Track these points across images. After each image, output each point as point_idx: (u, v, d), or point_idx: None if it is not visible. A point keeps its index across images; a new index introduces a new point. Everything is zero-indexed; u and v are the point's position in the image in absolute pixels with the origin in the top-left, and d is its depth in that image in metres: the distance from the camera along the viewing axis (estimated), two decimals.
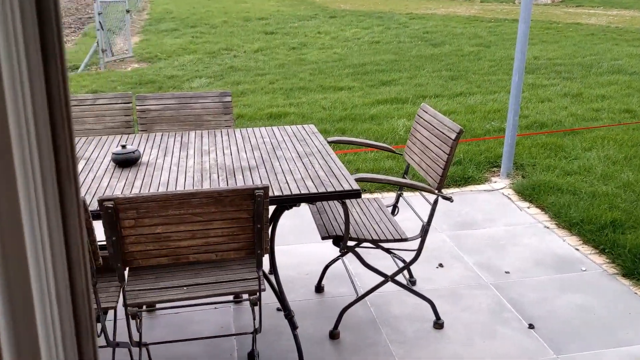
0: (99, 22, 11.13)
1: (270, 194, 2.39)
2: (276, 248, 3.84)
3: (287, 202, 2.40)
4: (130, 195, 1.93)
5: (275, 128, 3.39)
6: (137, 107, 3.50)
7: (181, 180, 2.57)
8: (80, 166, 2.77)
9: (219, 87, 9.12)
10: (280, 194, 2.40)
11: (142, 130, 3.48)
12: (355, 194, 2.44)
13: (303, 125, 3.45)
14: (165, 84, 9.54)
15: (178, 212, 2.00)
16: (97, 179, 2.60)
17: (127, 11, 12.71)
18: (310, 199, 2.42)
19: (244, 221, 2.08)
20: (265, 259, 2.64)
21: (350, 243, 2.83)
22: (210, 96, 3.56)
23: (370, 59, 11.12)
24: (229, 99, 3.57)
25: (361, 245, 2.91)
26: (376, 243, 2.88)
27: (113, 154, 2.74)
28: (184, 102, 3.53)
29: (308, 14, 19.40)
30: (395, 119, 6.99)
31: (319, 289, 3.45)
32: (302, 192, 2.42)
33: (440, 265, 3.76)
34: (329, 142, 3.28)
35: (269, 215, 3.20)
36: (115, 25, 13.17)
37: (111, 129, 3.48)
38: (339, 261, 3.61)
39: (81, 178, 2.61)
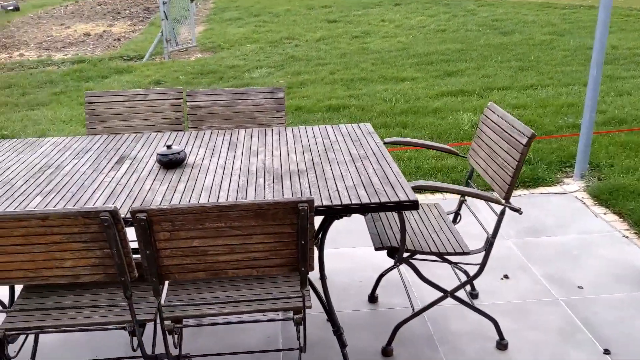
0: (164, 12, 11.22)
1: (318, 203, 2.20)
2: (328, 251, 3.67)
3: (336, 213, 2.20)
4: (164, 207, 1.78)
5: (328, 127, 3.19)
6: (188, 103, 3.38)
7: (225, 184, 2.42)
8: (125, 166, 2.66)
9: (279, 78, 9.00)
10: (329, 203, 2.20)
11: (192, 127, 3.36)
12: (411, 206, 2.22)
13: (359, 124, 3.23)
14: (227, 74, 9.51)
15: (215, 225, 1.84)
16: (140, 180, 2.48)
17: (192, 1, 12.77)
18: (362, 209, 2.21)
19: (287, 236, 1.90)
20: (316, 264, 2.46)
21: (406, 254, 2.61)
22: (262, 92, 3.39)
23: (436, 48, 10.71)
24: (281, 95, 3.39)
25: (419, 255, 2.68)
26: (434, 255, 2.64)
27: (158, 154, 2.61)
28: (235, 98, 3.38)
29: (372, 2, 19.02)
30: (460, 112, 6.64)
31: (373, 298, 3.24)
32: (353, 202, 2.21)
33: (506, 276, 3.47)
34: (386, 143, 3.06)
35: (317, 227, 3.03)
36: (181, 14, 13.27)
37: (162, 125, 3.37)
38: (395, 269, 3.38)
39: (124, 180, 2.49)
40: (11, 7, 20.20)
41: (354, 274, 3.51)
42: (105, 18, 18.06)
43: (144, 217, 1.78)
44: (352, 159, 2.69)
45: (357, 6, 17.97)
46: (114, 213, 1.80)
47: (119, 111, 3.37)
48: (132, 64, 10.70)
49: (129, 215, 2.00)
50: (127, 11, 19.80)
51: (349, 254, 3.71)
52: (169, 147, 2.63)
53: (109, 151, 2.87)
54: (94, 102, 3.37)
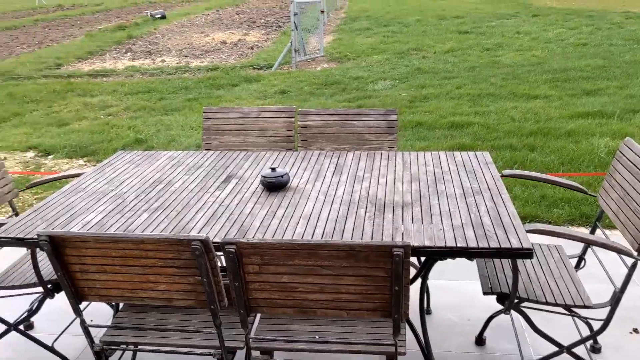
0: (294, 22, 11.48)
1: (419, 242, 2.05)
2: (436, 282, 3.47)
3: (439, 255, 2.04)
4: (254, 241, 1.73)
5: (442, 154, 3.00)
6: (299, 122, 3.36)
7: (325, 213, 2.33)
8: (230, 186, 2.67)
9: (402, 90, 8.84)
10: (432, 244, 2.04)
11: (301, 147, 3.33)
12: (524, 254, 1.99)
13: (475, 152, 3.01)
14: (350, 85, 9.51)
15: (305, 262, 1.75)
16: (242, 203, 2.47)
17: (322, 11, 12.97)
18: (468, 254, 2.02)
19: (380, 280, 1.77)
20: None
21: (518, 301, 2.37)
22: (374, 114, 3.28)
23: (574, 64, 9.98)
24: (394, 117, 3.26)
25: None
26: (550, 306, 2.38)
27: (262, 177, 2.59)
28: (346, 118, 3.30)
29: (508, 12, 18.22)
30: (596, 137, 6.09)
31: (480, 341, 3.00)
32: (459, 244, 2.03)
33: (635, 330, 3.08)
34: (504, 176, 2.82)
35: (417, 262, 2.86)
36: (312, 24, 13.55)
37: (273, 144, 3.38)
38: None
39: (227, 200, 2.50)
40: (159, 15, 21.81)
41: (461, 310, 3.29)
42: (242, 27, 18.91)
43: (233, 250, 1.74)
44: (464, 193, 2.49)
45: (491, 17, 17.31)
46: (205, 242, 1.78)
47: (233, 127, 3.42)
48: (261, 73, 11.05)
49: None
50: (262, 20, 20.60)
51: (455, 288, 3.49)
52: (273, 169, 2.60)
53: (218, 169, 2.91)
54: (211, 118, 3.44)
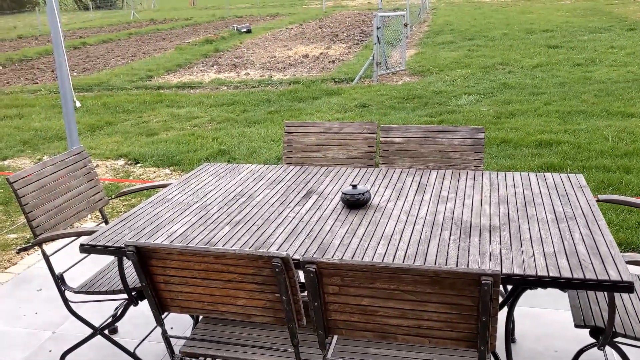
0: (377, 36, 11.45)
1: (508, 269, 1.94)
2: (522, 309, 3.30)
3: (529, 284, 1.92)
4: (335, 261, 1.69)
5: (532, 175, 2.86)
6: (381, 139, 3.30)
7: (407, 234, 2.26)
8: (310, 202, 2.65)
9: (487, 106, 8.59)
10: (522, 272, 1.93)
11: (382, 164, 3.27)
12: (624, 288, 1.84)
13: (568, 174, 2.85)
14: (432, 99, 9.36)
15: (387, 286, 1.69)
16: (322, 219, 2.44)
17: (405, 25, 12.88)
18: (561, 284, 1.89)
19: (467, 309, 1.68)
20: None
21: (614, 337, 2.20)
22: (460, 131, 3.18)
23: None
24: (481, 136, 3.14)
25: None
26: None
27: (343, 193, 2.56)
28: (430, 135, 3.21)
29: (601, 26, 17.41)
30: None
31: None
32: (551, 274, 1.91)
33: None
34: (600, 201, 2.64)
35: (504, 290, 2.72)
36: (395, 37, 13.48)
37: (354, 159, 3.34)
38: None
39: (307, 216, 2.48)
40: (244, 29, 22.44)
41: (549, 341, 3.11)
42: (324, 40, 19.12)
43: (314, 270, 1.71)
44: (556, 218, 2.35)
45: (582, 31, 16.59)
46: (285, 260, 1.76)
47: (314, 142, 3.41)
48: (342, 86, 11.09)
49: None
50: (345, 34, 20.74)
51: (542, 316, 3.30)
52: (354, 186, 2.56)
53: (299, 184, 2.90)
54: (292, 132, 3.45)
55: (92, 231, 2.44)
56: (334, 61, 14.63)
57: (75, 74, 15.09)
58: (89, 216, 5.16)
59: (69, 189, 2.88)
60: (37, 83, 13.82)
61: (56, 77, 13.01)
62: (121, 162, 7.16)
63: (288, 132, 3.47)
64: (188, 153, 7.16)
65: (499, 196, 2.61)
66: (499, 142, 6.63)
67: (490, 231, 2.26)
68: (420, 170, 3.01)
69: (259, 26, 25.70)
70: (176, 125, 8.85)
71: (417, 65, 12.84)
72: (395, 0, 40.82)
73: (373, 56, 11.48)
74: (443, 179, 2.87)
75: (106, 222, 3.10)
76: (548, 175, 2.86)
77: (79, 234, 2.56)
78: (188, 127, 8.68)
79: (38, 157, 7.46)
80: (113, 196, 3.41)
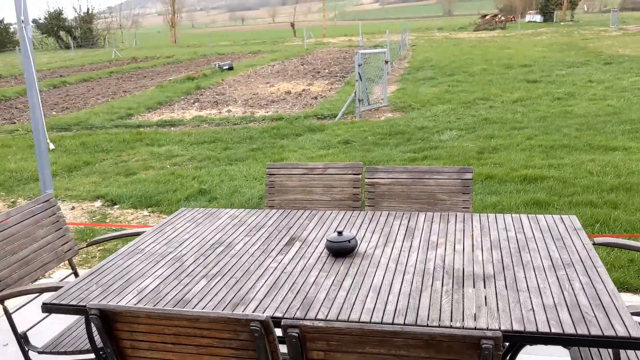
0: (358, 73, 11.48)
1: (506, 325, 1.79)
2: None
3: (530, 341, 1.77)
4: (319, 324, 1.53)
5: (523, 217, 2.74)
6: (366, 180, 3.18)
7: (396, 285, 2.11)
8: (294, 249, 2.50)
9: (469, 141, 8.56)
10: (521, 328, 1.78)
11: (369, 205, 3.14)
12: (633, 344, 1.70)
13: (561, 216, 2.73)
14: (415, 135, 9.32)
15: (377, 350, 1.54)
16: (306, 270, 2.28)
17: (386, 62, 12.95)
18: (565, 341, 1.75)
19: None
20: None
21: None
22: (447, 172, 3.06)
23: None
24: (469, 176, 3.03)
25: None
26: None
27: (328, 241, 2.41)
28: (417, 176, 3.10)
29: (579, 60, 17.72)
30: None
31: None
32: (554, 330, 1.77)
33: None
34: (596, 244, 2.53)
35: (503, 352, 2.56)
36: (376, 74, 13.54)
37: (339, 202, 3.20)
38: None
39: (290, 266, 2.32)
40: (226, 67, 22.50)
41: None
42: (306, 77, 19.20)
43: (297, 334, 1.55)
44: (553, 265, 2.22)
45: (560, 65, 16.85)
46: (265, 323, 1.60)
47: (297, 184, 3.28)
48: (324, 123, 11.03)
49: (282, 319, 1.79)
50: (327, 71, 20.87)
51: None
52: (339, 233, 2.41)
53: (281, 229, 2.75)
54: (275, 174, 3.32)
55: (57, 287, 2.25)
56: (316, 97, 14.63)
57: (54, 112, 14.92)
58: (60, 266, 4.93)
59: (35, 240, 2.69)
60: (14, 123, 13.61)
61: None
62: (98, 203, 6.95)
63: (270, 174, 3.33)
64: (167, 193, 6.97)
65: (490, 241, 2.48)
66: (483, 178, 6.55)
67: (484, 280, 2.12)
68: (408, 212, 2.88)
69: (241, 63, 25.82)
70: (156, 164, 8.68)
71: (398, 101, 12.88)
72: (375, 37, 41.47)
73: (355, 92, 11.48)
74: (432, 222, 2.74)
75: (76, 275, 2.91)
76: (540, 216, 2.74)
77: (42, 291, 2.37)
78: (168, 166, 8.51)
79: (12, 199, 7.22)
80: (84, 246, 3.22)
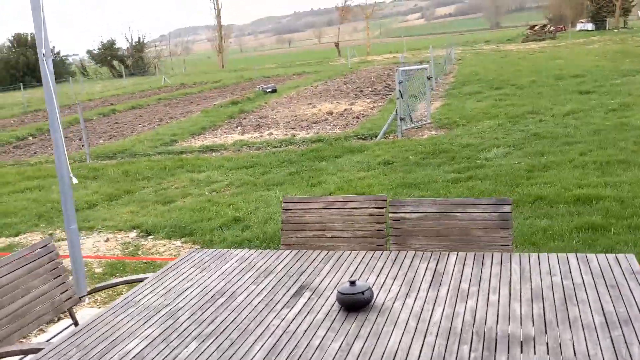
0: (399, 90, 11.15)
1: None
2: None
3: None
4: None
5: (571, 257, 2.36)
6: (390, 215, 2.85)
7: (416, 349, 1.78)
8: (302, 302, 2.20)
9: (517, 158, 8.08)
10: None
11: (394, 243, 2.81)
12: None
13: (616, 255, 2.34)
14: (459, 153, 8.89)
15: None
16: (312, 328, 1.98)
17: (428, 78, 12.57)
18: None
19: None
20: None
21: None
22: (482, 204, 2.71)
23: None
24: (508, 209, 2.67)
25: None
26: None
27: (339, 292, 2.10)
28: (447, 210, 2.75)
29: (634, 69, 16.83)
30: None
31: None
32: None
33: None
34: None
35: None
36: (419, 90, 13.17)
37: (361, 239, 2.89)
38: None
39: (294, 324, 2.02)
40: (270, 89, 22.53)
41: None
42: (349, 96, 18.96)
43: None
44: (606, 322, 1.84)
45: (615, 75, 16.04)
46: None
47: (315, 220, 2.99)
48: (365, 143, 10.73)
49: None
50: (369, 89, 20.59)
51: None
52: (352, 283, 2.10)
53: (292, 275, 2.46)
54: (291, 209, 3.04)
55: (37, 349, 2.03)
56: (358, 117, 14.36)
57: (102, 141, 15.17)
58: (58, 317, 4.63)
59: (29, 291, 2.49)
60: None
61: (82, 146, 13.01)
62: (133, 234, 6.84)
63: (286, 209, 3.05)
64: (202, 222, 6.80)
65: (531, 289, 2.11)
66: (532, 200, 6.09)
67: (521, 344, 1.76)
68: (437, 253, 2.54)
69: (284, 85, 25.88)
70: (194, 191, 8.56)
71: (443, 117, 12.45)
72: (420, 53, 41.06)
73: (396, 111, 11.13)
74: (464, 264, 2.39)
75: (76, 324, 2.70)
76: (591, 256, 2.35)
77: (23, 353, 2.16)
78: (206, 193, 8.38)
79: (50, 231, 7.21)
80: (85, 294, 3.02)
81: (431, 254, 2.53)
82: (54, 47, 62.76)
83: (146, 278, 2.64)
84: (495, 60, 26.02)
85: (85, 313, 4.19)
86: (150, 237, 6.65)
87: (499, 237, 2.64)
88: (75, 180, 4.77)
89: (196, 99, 24.51)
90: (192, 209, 7.40)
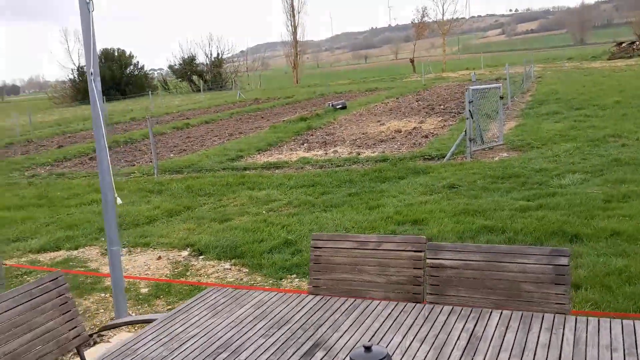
0: (469, 110, 10.66)
1: None
2: None
3: None
4: None
5: (638, 325, 1.95)
6: (428, 260, 2.52)
7: None
8: None
9: (595, 186, 7.44)
10: None
11: (430, 294, 2.47)
12: None
13: None
14: (531, 178, 8.32)
15: None
16: None
17: (501, 97, 11.99)
18: None
19: None
20: None
21: None
22: (534, 254, 2.33)
23: None
24: (565, 261, 2.27)
25: None
26: None
27: (350, 358, 1.80)
28: (493, 259, 2.39)
29: None
30: None
31: None
32: None
33: None
34: None
35: None
36: (493, 109, 12.59)
37: (395, 286, 2.57)
38: None
39: None
40: (340, 106, 22.37)
41: None
42: (419, 114, 18.48)
43: None
44: None
45: None
46: None
47: (346, 260, 2.70)
48: (431, 164, 10.30)
49: None
50: (442, 107, 20.01)
51: None
52: (367, 348, 1.80)
53: (308, 328, 2.18)
54: (320, 247, 2.77)
55: None
56: (426, 136, 13.91)
57: (172, 155, 15.47)
58: (67, 356, 4.35)
59: (31, 328, 2.34)
60: (134, 165, 14.23)
61: (152, 160, 13.28)
62: (185, 253, 6.77)
63: (315, 247, 2.78)
64: (253, 244, 6.63)
65: None
66: (609, 235, 5.51)
67: None
68: (478, 310, 2.19)
69: (355, 102, 25.68)
70: (252, 209, 8.44)
71: (516, 138, 11.81)
72: (498, 70, 39.85)
73: (465, 131, 10.64)
74: (507, 327, 2.03)
75: None
76: None
77: None
78: (263, 212, 8.23)
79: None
80: (95, 331, 2.85)
81: (471, 311, 2.18)
82: (138, 61, 65.53)
83: (156, 319, 2.44)
84: (577, 79, 24.79)
85: (97, 349, 4.04)
86: (201, 257, 6.54)
87: (553, 295, 2.25)
88: (119, 201, 4.71)
89: (267, 114, 24.74)
90: (246, 229, 7.26)
